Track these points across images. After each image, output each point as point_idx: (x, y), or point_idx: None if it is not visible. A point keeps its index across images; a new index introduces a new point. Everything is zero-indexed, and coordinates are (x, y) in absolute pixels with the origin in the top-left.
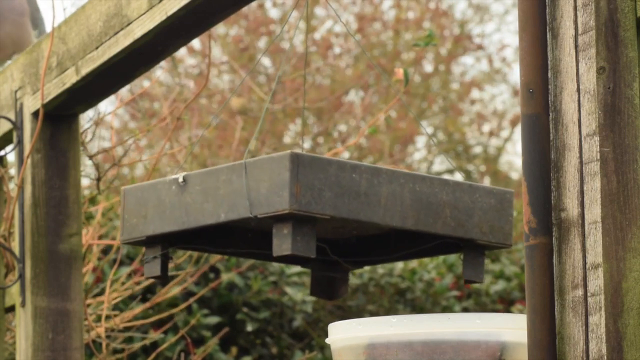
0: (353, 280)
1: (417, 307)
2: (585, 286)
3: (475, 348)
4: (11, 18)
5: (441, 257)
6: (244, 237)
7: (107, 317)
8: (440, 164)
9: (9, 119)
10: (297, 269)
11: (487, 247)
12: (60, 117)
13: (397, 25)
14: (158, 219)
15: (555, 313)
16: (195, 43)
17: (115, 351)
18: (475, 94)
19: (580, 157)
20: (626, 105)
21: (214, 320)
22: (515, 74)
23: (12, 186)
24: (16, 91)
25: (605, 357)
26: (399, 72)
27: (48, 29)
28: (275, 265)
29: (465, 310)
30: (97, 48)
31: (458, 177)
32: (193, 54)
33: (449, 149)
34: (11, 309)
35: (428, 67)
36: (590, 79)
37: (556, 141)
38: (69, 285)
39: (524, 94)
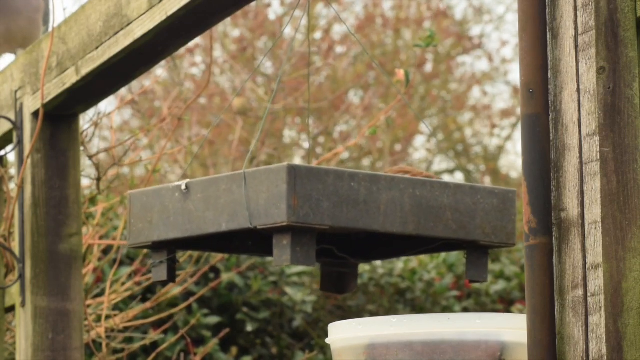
0: None
1: (417, 307)
2: (585, 286)
3: (475, 348)
4: (26, 14)
5: (441, 257)
6: (246, 243)
7: (107, 317)
8: (439, 164)
9: (9, 119)
10: (297, 269)
11: (490, 247)
12: (60, 117)
13: (398, 25)
14: (163, 225)
15: (555, 313)
16: (197, 40)
17: (115, 351)
18: (475, 93)
19: (580, 157)
20: (626, 105)
21: (214, 320)
22: (515, 73)
23: (12, 186)
24: (16, 91)
25: (605, 357)
26: (400, 73)
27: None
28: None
29: (465, 310)
30: (97, 48)
31: (459, 177)
32: (194, 52)
33: (448, 148)
34: (11, 309)
35: (428, 67)
36: (590, 79)
37: (556, 141)
38: (69, 285)
39: (524, 94)
